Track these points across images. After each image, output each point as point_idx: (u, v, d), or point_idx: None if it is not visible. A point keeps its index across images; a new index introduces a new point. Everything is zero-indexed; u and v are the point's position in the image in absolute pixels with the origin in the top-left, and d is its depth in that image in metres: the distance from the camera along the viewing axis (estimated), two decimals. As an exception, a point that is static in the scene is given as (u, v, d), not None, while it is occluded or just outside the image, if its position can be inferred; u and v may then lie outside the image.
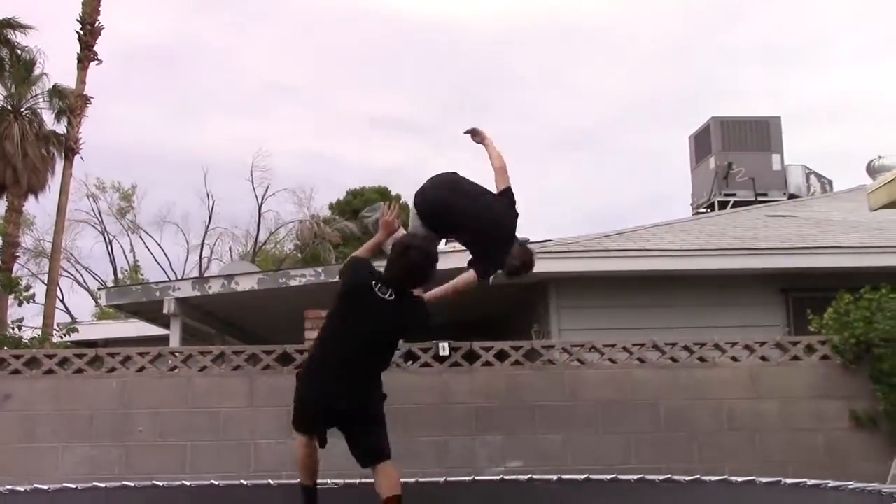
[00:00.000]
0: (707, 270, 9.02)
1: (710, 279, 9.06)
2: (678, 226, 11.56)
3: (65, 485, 5.51)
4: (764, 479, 5.28)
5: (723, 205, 15.29)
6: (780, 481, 5.19)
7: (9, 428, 6.30)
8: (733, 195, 15.45)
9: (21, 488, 5.21)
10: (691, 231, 10.91)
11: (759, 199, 15.12)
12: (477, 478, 6.04)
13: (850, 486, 4.72)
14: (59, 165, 22.13)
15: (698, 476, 5.64)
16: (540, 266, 9.08)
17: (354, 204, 32.68)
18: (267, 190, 33.66)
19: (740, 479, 5.40)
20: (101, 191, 33.88)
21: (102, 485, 5.56)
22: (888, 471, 5.18)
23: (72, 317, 28.19)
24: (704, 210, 15.84)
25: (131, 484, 5.60)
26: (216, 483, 5.59)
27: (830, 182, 17.28)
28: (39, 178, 21.62)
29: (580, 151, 54.78)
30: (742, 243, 9.71)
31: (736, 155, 15.77)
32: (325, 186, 55.58)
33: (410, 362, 6.57)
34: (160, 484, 5.63)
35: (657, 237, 10.32)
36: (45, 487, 5.34)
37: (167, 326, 11.06)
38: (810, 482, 5.00)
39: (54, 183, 22.09)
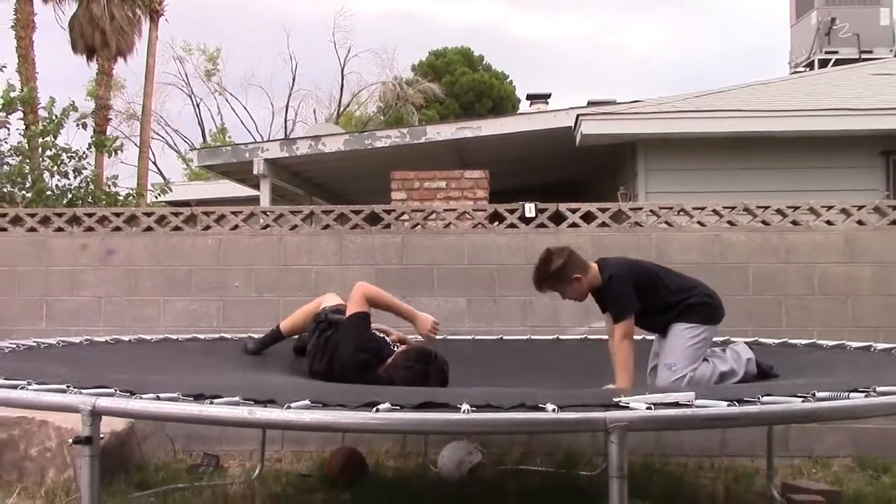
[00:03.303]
0: (803, 132, 8.68)
1: (807, 141, 8.74)
2: (774, 85, 11.09)
3: (167, 336, 5.81)
4: (854, 344, 5.21)
5: (824, 63, 14.57)
6: (871, 346, 5.12)
7: (114, 281, 6.63)
8: (835, 53, 14.69)
9: (126, 338, 5.50)
10: (788, 91, 10.47)
11: (864, 56, 14.34)
12: (560, 336, 6.13)
13: (946, 352, 4.62)
14: (146, 28, 22.35)
15: (786, 339, 5.61)
16: (629, 127, 9.01)
17: (437, 65, 32.25)
18: (349, 51, 33.49)
19: (829, 342, 5.34)
20: (188, 53, 34.26)
21: (202, 336, 5.83)
22: None
23: (164, 177, 29.04)
24: (804, 69, 15.12)
25: (229, 336, 5.86)
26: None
27: (943, 38, 16.21)
28: (127, 41, 21.93)
29: (668, 4, 52.37)
30: (842, 103, 9.27)
31: (840, 9, 14.90)
32: (406, 47, 54.91)
33: (497, 223, 6.60)
34: (256, 337, 5.86)
35: (752, 97, 9.95)
36: (149, 338, 5.62)
37: (256, 187, 11.31)
38: (903, 347, 4.91)
39: (141, 45, 22.39)
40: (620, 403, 2.67)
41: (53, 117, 9.32)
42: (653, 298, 4.47)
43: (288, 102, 34.33)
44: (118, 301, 6.62)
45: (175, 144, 34.48)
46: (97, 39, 21.14)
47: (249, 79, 37.25)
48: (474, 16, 52.92)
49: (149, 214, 6.82)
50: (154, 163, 30.34)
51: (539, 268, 4.57)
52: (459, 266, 6.52)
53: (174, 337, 5.71)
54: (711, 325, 4.52)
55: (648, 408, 2.61)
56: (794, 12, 15.97)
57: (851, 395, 2.85)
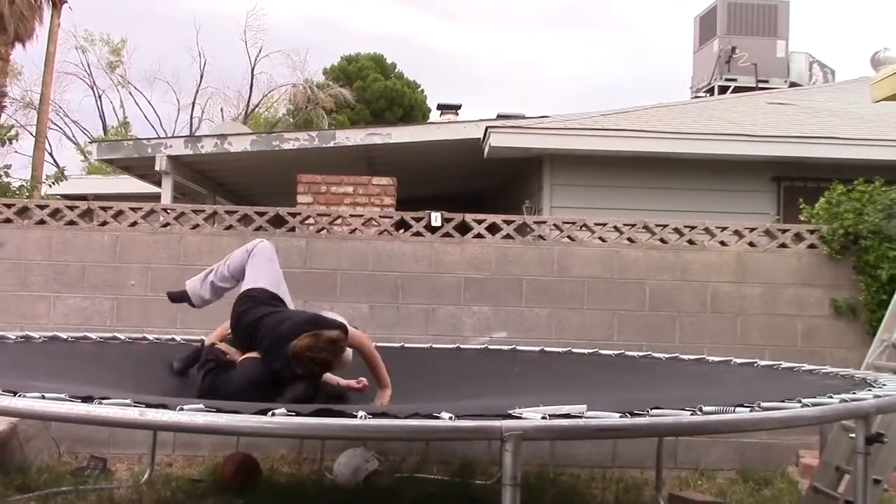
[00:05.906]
0: (702, 155, 8.99)
1: (705, 164, 9.05)
2: (677, 108, 11.45)
3: (56, 334, 5.59)
4: (739, 360, 5.42)
5: (723, 90, 15.11)
6: (755, 363, 5.33)
7: (1, 275, 6.36)
8: (734, 80, 15.25)
9: (12, 335, 5.26)
10: (690, 114, 10.82)
11: (761, 85, 14.94)
12: (462, 346, 6.17)
13: (824, 370, 4.85)
14: (47, 14, 21.54)
15: (676, 354, 5.78)
16: (536, 142, 9.15)
17: (349, 70, 32.06)
18: (260, 51, 32.94)
19: (716, 358, 5.54)
20: (90, 43, 33.06)
21: (94, 336, 5.63)
22: (863, 358, 5.31)
23: (60, 169, 27.90)
24: (704, 94, 15.66)
25: (122, 336, 5.68)
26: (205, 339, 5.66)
27: (833, 72, 17.03)
28: (27, 26, 21.05)
29: (579, 25, 53.55)
30: (739, 129, 9.64)
31: (740, 39, 15.47)
32: (319, 51, 54.51)
33: (403, 231, 6.61)
34: (150, 338, 5.72)
35: (655, 119, 10.24)
36: (37, 335, 5.40)
37: (158, 184, 11.01)
38: (784, 364, 5.13)
39: (42, 32, 21.56)
40: (514, 414, 2.70)
41: None
42: None
43: (195, 100, 33.52)
44: (5, 296, 6.35)
45: (74, 136, 33.22)
46: (-6, 23, 20.27)
47: (155, 73, 36.08)
48: (389, 24, 52.97)
49: (42, 207, 6.57)
50: (50, 154, 29.14)
51: None
52: (364, 272, 6.50)
53: (63, 336, 5.50)
54: None
55: (543, 418, 2.66)
56: (697, 39, 16.52)
57: (737, 409, 2.97)
